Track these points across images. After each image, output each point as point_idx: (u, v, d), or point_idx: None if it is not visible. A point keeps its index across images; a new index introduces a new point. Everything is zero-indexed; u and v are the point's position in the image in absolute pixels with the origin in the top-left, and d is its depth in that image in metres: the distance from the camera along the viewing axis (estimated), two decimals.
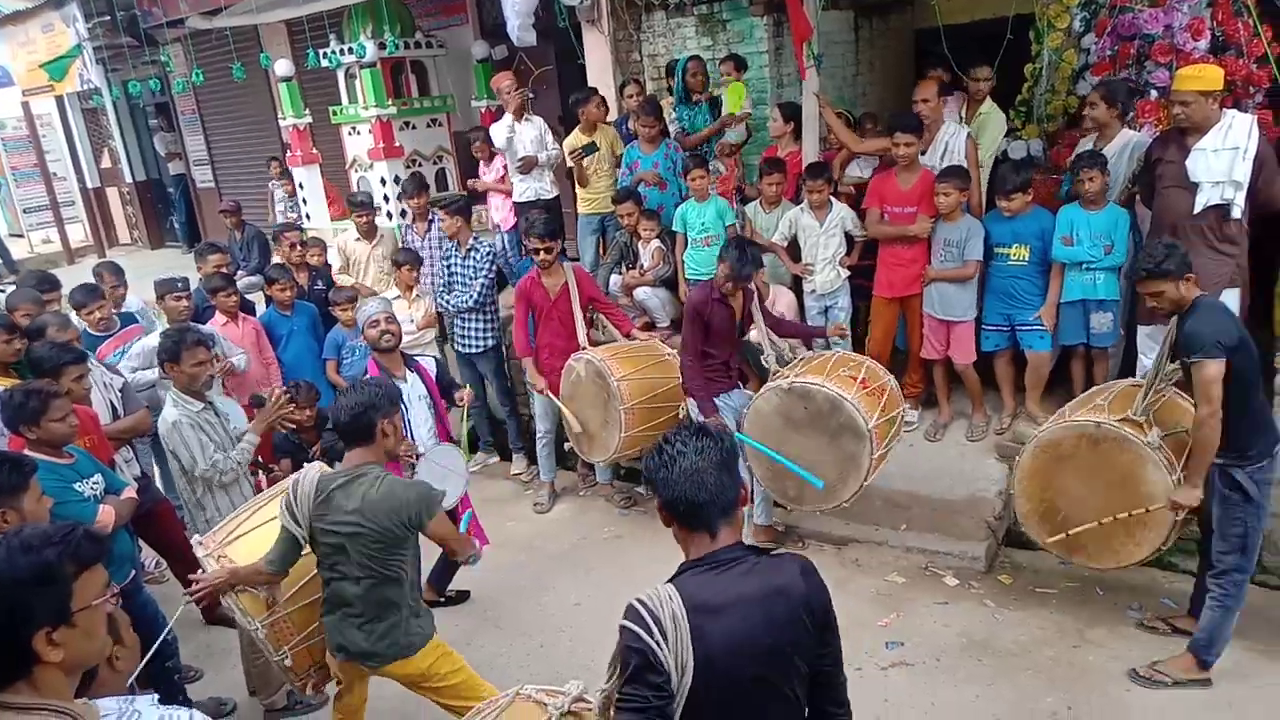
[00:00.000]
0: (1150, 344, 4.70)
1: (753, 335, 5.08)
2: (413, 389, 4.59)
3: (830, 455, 4.45)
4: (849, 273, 5.68)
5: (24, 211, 14.92)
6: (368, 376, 3.90)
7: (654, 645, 1.83)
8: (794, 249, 5.80)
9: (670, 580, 1.95)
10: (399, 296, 6.38)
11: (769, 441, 4.52)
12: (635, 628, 1.86)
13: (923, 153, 5.37)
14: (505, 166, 7.04)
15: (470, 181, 7.28)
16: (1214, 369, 3.38)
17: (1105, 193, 4.80)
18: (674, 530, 2.03)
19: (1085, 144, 5.07)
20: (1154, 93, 5.29)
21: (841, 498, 4.54)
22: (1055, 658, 4.07)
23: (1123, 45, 5.43)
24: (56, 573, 1.61)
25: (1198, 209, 4.34)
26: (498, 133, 6.85)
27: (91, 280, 5.89)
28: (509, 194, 7.09)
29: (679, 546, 2.04)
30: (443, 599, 4.89)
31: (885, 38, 7.71)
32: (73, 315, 5.50)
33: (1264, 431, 3.57)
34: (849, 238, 5.70)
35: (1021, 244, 5.03)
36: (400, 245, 7.14)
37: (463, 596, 5.01)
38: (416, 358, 4.92)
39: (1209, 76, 4.31)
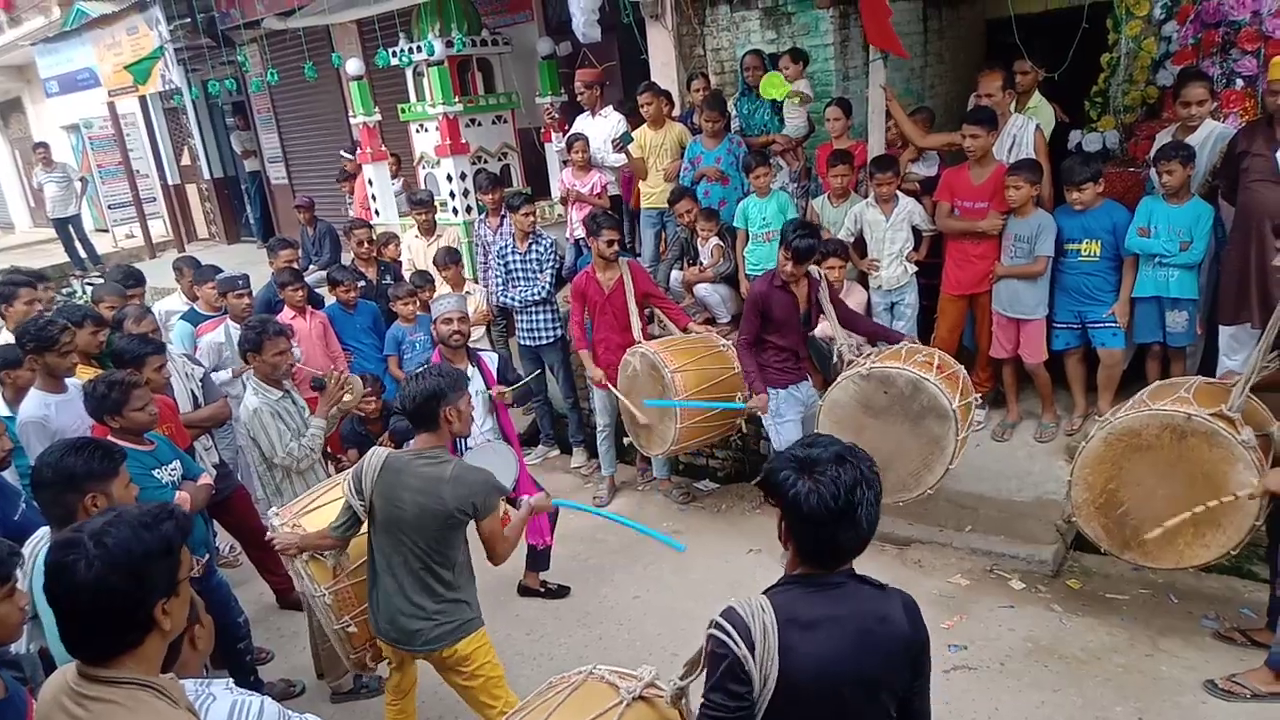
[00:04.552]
0: (1235, 344, 4.52)
1: (820, 330, 5.01)
2: (472, 384, 4.62)
3: (912, 441, 4.35)
4: (916, 268, 5.58)
5: (109, 208, 15.48)
6: (432, 364, 3.97)
7: (741, 656, 1.81)
8: (861, 245, 5.72)
9: (767, 591, 1.93)
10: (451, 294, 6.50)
11: (846, 432, 4.34)
12: (723, 636, 1.84)
13: None
14: (605, 184, 6.98)
15: (565, 189, 7.15)
16: None
17: (1187, 186, 4.63)
18: (790, 545, 1.94)
19: (1164, 136, 4.90)
20: (1240, 82, 5.08)
21: (926, 484, 4.40)
22: (1126, 666, 3.95)
23: (1207, 32, 5.23)
24: (176, 545, 1.76)
25: None
26: (600, 128, 6.95)
27: (173, 272, 6.16)
28: (606, 208, 6.84)
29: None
30: (542, 589, 4.97)
31: (955, 29, 7.53)
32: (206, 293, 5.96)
33: None
34: (917, 232, 5.60)
35: (1092, 239, 4.88)
36: (469, 241, 7.26)
37: (564, 590, 5.01)
38: (480, 352, 5.00)
39: None
